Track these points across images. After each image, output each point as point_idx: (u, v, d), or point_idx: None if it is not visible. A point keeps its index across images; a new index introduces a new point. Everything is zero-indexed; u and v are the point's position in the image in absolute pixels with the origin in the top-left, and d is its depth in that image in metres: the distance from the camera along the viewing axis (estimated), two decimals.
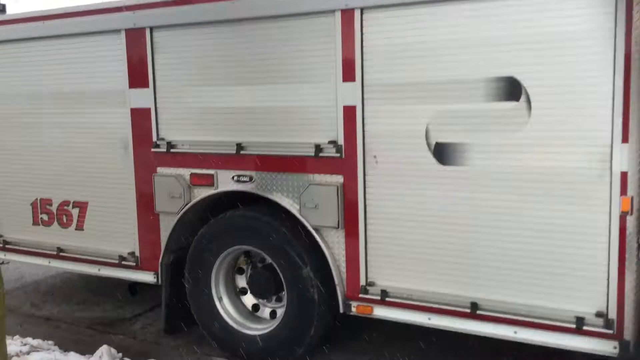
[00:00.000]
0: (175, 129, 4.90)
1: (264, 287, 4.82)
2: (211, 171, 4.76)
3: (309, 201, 4.34)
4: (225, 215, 4.78)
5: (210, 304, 4.93)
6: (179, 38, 4.77)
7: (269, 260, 4.72)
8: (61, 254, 5.62)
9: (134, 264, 5.23)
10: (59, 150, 5.49)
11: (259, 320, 4.97)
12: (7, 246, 5.96)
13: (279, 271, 4.61)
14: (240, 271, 5.03)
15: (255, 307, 5.02)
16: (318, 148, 4.28)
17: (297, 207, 4.42)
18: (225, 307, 4.96)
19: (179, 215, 4.91)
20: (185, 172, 4.87)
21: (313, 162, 4.33)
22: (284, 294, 4.68)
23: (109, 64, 5.09)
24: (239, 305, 5.02)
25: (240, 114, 4.59)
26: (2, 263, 6.44)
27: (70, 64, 5.23)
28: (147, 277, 5.20)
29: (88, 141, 5.32)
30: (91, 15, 5.10)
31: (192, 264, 4.95)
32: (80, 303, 6.35)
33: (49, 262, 5.74)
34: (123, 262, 5.27)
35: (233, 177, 4.67)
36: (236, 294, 5.04)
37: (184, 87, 4.81)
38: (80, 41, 5.13)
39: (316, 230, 4.38)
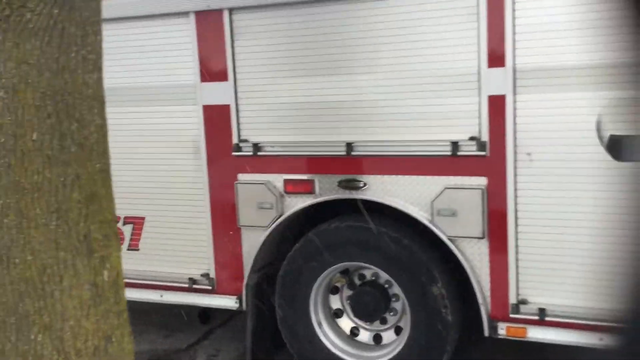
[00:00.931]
0: (262, 128, 4.16)
1: (371, 308, 4.17)
2: (310, 176, 4.06)
3: (444, 208, 3.71)
4: (329, 226, 4.09)
5: (309, 330, 4.24)
6: (267, 21, 4.04)
7: (382, 277, 4.09)
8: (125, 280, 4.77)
9: (210, 287, 4.46)
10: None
11: (361, 346, 4.32)
12: None
13: (400, 290, 3.96)
14: (334, 290, 4.36)
15: (353, 331, 4.36)
16: (455, 146, 3.65)
17: (427, 215, 3.78)
18: (327, 333, 4.28)
19: (270, 229, 4.19)
20: (277, 179, 4.15)
21: (449, 162, 3.69)
22: (402, 315, 4.07)
23: (175, 53, 4.30)
24: (337, 330, 4.35)
25: (350, 108, 3.90)
26: None
27: (124, 54, 4.40)
28: (227, 301, 4.44)
29: (145, 145, 4.50)
30: None
31: (285, 285, 4.24)
32: None
33: None
34: (195, 286, 4.49)
35: (340, 183, 3.98)
36: (331, 316, 4.37)
37: (274, 79, 4.08)
38: (140, 26, 4.31)
39: (452, 240, 3.75)
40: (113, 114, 4.47)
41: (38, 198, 2.46)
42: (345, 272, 4.27)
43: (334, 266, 4.12)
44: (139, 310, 5.71)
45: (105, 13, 4.27)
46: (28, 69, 2.43)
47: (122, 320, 2.71)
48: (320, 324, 4.27)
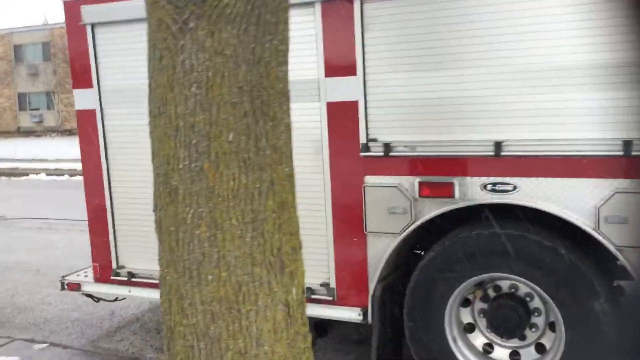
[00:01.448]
0: (393, 126, 3.85)
1: (512, 323, 3.84)
2: (449, 179, 3.74)
3: (614, 214, 3.37)
4: (470, 234, 3.77)
5: (444, 347, 3.92)
6: (401, 10, 3.72)
7: (522, 289, 3.78)
8: None
9: (330, 297, 4.15)
10: None
11: None
12: (132, 279, 4.79)
13: (554, 305, 3.62)
14: (465, 303, 4.04)
15: (486, 347, 4.03)
16: (628, 145, 3.31)
17: (591, 222, 3.44)
18: (462, 350, 3.96)
19: (402, 236, 3.88)
20: (411, 181, 3.83)
21: (620, 162, 3.35)
22: (545, 332, 3.76)
23: (297, 47, 3.98)
24: (471, 346, 4.02)
25: (499, 103, 3.58)
26: (116, 299, 5.28)
27: None
28: (350, 314, 4.12)
29: None
30: None
31: (417, 297, 3.93)
32: None
33: None
34: (312, 297, 4.19)
35: (485, 186, 3.66)
36: (463, 331, 4.04)
37: (407, 73, 3.76)
38: None
39: (620, 251, 3.41)
40: None
41: (234, 207, 2.16)
42: (479, 284, 3.94)
43: (474, 278, 3.80)
44: None
45: None
46: (223, 61, 2.13)
47: (307, 344, 2.40)
48: (455, 340, 3.95)
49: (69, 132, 36.68)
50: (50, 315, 6.09)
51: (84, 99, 4.71)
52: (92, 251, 4.94)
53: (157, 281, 4.55)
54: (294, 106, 3.97)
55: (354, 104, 3.89)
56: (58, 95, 40.41)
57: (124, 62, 4.52)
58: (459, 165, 3.71)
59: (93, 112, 4.69)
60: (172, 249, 2.22)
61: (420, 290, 3.91)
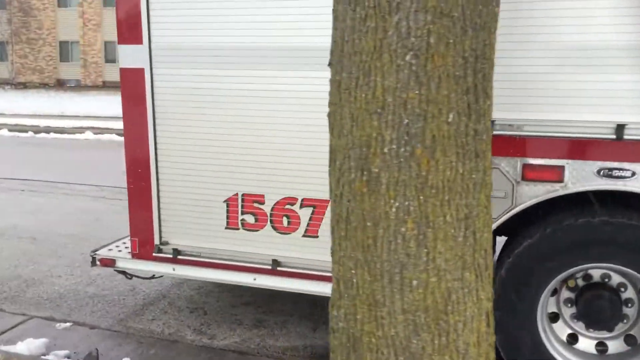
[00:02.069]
0: (495, 103, 3.52)
1: (605, 314, 3.65)
2: (559, 162, 3.47)
3: None
4: (576, 222, 3.52)
5: (535, 338, 3.70)
6: None
7: (615, 279, 3.60)
8: (278, 268, 4.14)
9: None
10: (281, 130, 3.97)
11: (583, 355, 3.81)
12: (179, 257, 4.37)
13: None
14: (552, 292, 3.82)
15: (568, 338, 3.85)
16: None
17: None
18: (552, 341, 3.76)
19: (499, 221, 3.60)
20: (513, 163, 3.54)
21: None
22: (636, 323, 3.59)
23: None
24: (556, 337, 3.83)
25: (620, 82, 3.30)
26: (153, 277, 4.86)
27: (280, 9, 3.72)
28: None
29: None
30: None
31: (507, 286, 3.68)
32: (258, 325, 4.87)
33: (254, 279, 4.24)
34: None
35: (600, 171, 3.40)
36: (549, 321, 3.84)
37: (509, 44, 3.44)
38: None
39: None
40: (292, 78, 3.84)
41: (448, 201, 1.81)
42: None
43: (575, 267, 3.57)
44: (275, 297, 5.14)
45: None
46: (449, 25, 1.76)
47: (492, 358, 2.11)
48: (545, 331, 3.74)
49: (23, 86, 34.88)
50: (64, 290, 5.61)
51: (130, 56, 4.19)
52: (130, 224, 4.49)
53: (205, 259, 4.18)
54: None
55: None
56: (12, 45, 38.26)
57: (182, 16, 4.03)
58: (572, 147, 3.44)
59: (141, 71, 4.19)
60: (367, 248, 1.86)
61: (512, 278, 3.66)
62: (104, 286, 5.69)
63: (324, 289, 4.06)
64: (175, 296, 5.48)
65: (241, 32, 3.93)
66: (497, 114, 3.48)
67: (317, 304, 4.99)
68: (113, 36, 30.79)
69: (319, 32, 3.73)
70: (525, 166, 3.51)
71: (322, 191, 3.95)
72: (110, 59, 38.91)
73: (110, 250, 4.73)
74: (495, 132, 3.51)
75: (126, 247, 4.74)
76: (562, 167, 3.45)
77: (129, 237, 4.94)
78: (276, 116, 3.97)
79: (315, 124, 3.85)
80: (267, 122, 3.99)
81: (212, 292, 5.56)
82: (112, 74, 37.68)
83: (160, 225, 4.38)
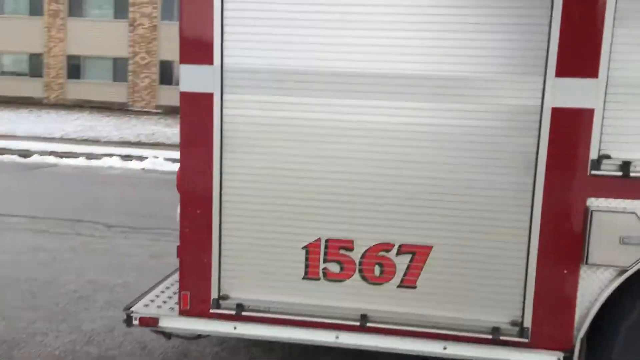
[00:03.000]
0: (634, 141, 3.29)
1: None
2: None
3: None
4: None
5: None
6: None
7: None
8: (368, 324, 3.62)
9: (522, 339, 3.48)
10: (377, 163, 3.51)
11: None
12: (243, 314, 3.74)
13: None
14: None
15: None
16: None
17: None
18: None
19: (632, 270, 3.33)
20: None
21: None
22: None
23: (517, 36, 3.29)
24: None
25: None
26: (199, 337, 4.15)
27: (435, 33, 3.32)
28: (547, 358, 3.49)
29: (444, 153, 3.44)
30: None
31: (634, 340, 3.40)
32: None
33: (337, 337, 3.69)
34: (500, 337, 3.49)
35: None
36: None
37: None
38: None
39: None
40: (402, 110, 3.43)
41: None
42: None
43: None
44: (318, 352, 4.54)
45: None
46: None
47: None
48: None
49: None
50: (60, 352, 4.71)
51: (196, 78, 3.58)
52: (181, 275, 3.80)
53: (275, 316, 3.60)
54: (502, 108, 3.30)
55: (589, 111, 3.27)
56: None
57: (262, 34, 3.50)
58: None
59: (209, 96, 3.59)
60: None
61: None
62: (107, 345, 4.86)
63: (420, 347, 3.61)
64: (198, 355, 4.76)
65: (337, 56, 3.46)
66: (633, 154, 3.26)
67: None
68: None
69: (430, 58, 3.37)
70: None
71: (423, 236, 3.52)
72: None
73: (146, 306, 3.99)
74: (634, 174, 3.27)
75: (165, 302, 4.03)
76: None
77: (164, 288, 4.24)
78: (372, 150, 3.51)
79: (416, 160, 3.44)
80: (361, 157, 3.52)
81: (238, 348, 4.89)
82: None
83: (220, 276, 3.74)
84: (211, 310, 3.76)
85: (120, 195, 11.72)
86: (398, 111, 3.46)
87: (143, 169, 15.75)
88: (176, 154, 15.04)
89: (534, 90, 3.31)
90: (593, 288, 3.41)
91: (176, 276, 4.09)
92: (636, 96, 3.26)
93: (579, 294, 3.43)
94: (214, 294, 3.75)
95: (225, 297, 3.75)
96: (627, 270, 3.34)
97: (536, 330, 3.48)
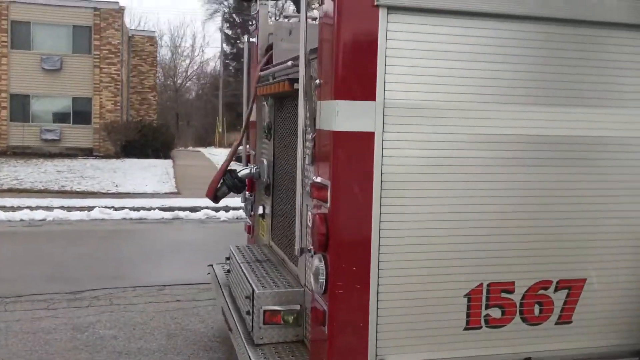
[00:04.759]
0: None
1: None
2: None
3: None
4: None
5: None
6: None
7: None
8: None
9: None
10: (535, 201, 3.44)
11: None
12: None
13: None
14: None
15: None
16: None
17: None
18: None
19: None
20: None
21: None
22: None
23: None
24: None
25: None
26: None
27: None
28: None
29: (598, 183, 3.51)
30: None
31: None
32: None
33: None
34: None
35: None
36: None
37: None
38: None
39: None
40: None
41: None
42: None
43: None
44: None
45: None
46: None
47: None
48: None
49: None
50: None
51: (355, 115, 3.13)
52: (330, 346, 3.25)
53: None
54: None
55: None
56: None
57: (426, 67, 3.22)
58: None
59: (369, 135, 3.16)
60: None
61: None
62: None
63: None
64: None
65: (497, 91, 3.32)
66: None
67: None
68: None
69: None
70: None
71: (579, 269, 3.53)
72: None
73: None
74: None
75: None
76: None
77: None
78: (539, 181, 3.42)
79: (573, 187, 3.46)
80: (525, 193, 3.41)
81: None
82: None
83: (376, 338, 3.28)
84: None
85: None
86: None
87: None
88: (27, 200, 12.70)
89: None
90: None
91: None
92: None
93: None
94: (370, 359, 3.28)
95: None
96: None
97: None
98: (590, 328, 3.59)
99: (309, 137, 3.70)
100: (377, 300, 3.26)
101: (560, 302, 3.53)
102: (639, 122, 3.53)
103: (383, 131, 3.17)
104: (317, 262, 3.32)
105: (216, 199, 5.27)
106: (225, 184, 5.19)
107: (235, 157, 5.47)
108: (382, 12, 3.10)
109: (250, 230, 5.79)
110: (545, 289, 3.50)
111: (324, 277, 3.28)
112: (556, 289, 3.51)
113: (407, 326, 3.33)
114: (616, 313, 3.62)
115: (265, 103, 5.09)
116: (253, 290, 3.97)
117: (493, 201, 3.37)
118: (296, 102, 3.60)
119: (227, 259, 5.04)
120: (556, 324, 3.53)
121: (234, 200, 12.80)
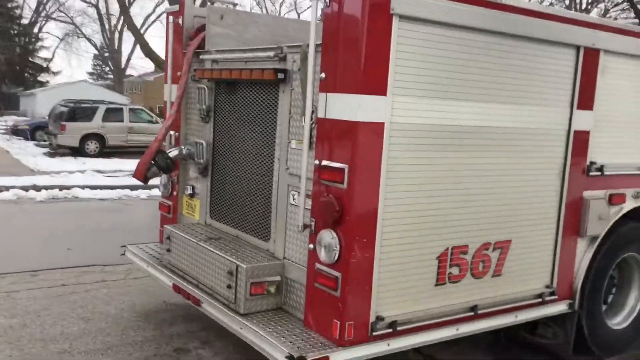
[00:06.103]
0: (605, 152, 4.98)
1: None
2: (622, 190, 5.22)
3: None
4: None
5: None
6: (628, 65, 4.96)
7: None
8: (477, 312, 4.39)
9: (553, 297, 4.87)
10: (488, 181, 4.33)
11: None
12: (398, 329, 3.98)
13: None
14: None
15: None
16: None
17: None
18: None
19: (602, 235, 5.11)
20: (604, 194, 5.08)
21: None
22: None
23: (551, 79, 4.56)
24: None
25: None
26: None
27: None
28: (559, 307, 4.97)
29: (515, 165, 4.49)
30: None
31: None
32: None
33: (457, 330, 4.32)
34: (541, 299, 4.80)
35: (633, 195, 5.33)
36: None
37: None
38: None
39: None
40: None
41: None
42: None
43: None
44: None
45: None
46: None
47: None
48: None
49: None
50: None
51: (372, 108, 3.64)
52: (344, 306, 3.75)
53: (415, 325, 4.11)
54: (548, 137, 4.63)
55: (588, 132, 4.83)
56: None
57: (426, 67, 3.85)
58: (630, 181, 5.22)
59: (381, 126, 3.70)
60: None
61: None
62: None
63: (495, 322, 4.57)
64: None
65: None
66: (603, 159, 4.98)
67: None
68: None
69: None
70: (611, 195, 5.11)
71: (506, 232, 4.52)
72: None
73: (299, 348, 3.73)
74: (607, 173, 4.99)
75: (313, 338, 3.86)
76: (624, 194, 5.20)
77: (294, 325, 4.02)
78: (482, 164, 4.28)
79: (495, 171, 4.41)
80: (474, 174, 4.25)
81: None
82: None
83: (376, 300, 3.88)
84: (371, 334, 3.86)
85: None
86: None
87: None
88: None
89: None
90: (587, 250, 5.05)
91: None
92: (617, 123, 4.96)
93: (577, 257, 5.01)
94: (371, 318, 3.87)
95: (380, 319, 3.90)
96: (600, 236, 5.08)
97: (558, 288, 4.89)
98: (514, 278, 4.60)
99: (296, 124, 4.12)
100: (378, 267, 3.84)
101: (495, 259, 4.47)
102: (540, 116, 4.55)
103: (390, 121, 3.74)
104: (329, 236, 3.78)
105: (146, 180, 5.26)
106: (157, 164, 5.21)
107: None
108: (394, 24, 3.64)
109: (169, 210, 5.85)
110: (487, 249, 4.41)
111: (337, 249, 3.75)
112: (494, 249, 4.44)
113: (396, 286, 3.97)
114: (527, 266, 4.68)
115: (204, 86, 5.21)
116: (237, 266, 4.24)
117: (455, 181, 4.15)
118: (259, 89, 4.34)
119: (168, 238, 5.10)
120: (492, 276, 4.47)
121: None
